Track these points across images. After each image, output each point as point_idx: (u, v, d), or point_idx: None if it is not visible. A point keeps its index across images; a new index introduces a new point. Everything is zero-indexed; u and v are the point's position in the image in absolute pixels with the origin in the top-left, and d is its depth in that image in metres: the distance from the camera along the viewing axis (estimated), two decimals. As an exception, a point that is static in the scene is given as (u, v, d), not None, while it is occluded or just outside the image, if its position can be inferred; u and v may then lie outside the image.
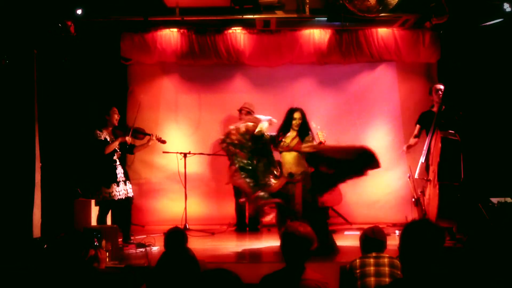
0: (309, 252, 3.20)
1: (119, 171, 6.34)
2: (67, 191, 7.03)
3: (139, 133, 6.63)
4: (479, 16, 6.93)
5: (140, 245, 6.10)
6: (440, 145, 6.21)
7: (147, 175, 8.24)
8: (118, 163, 6.36)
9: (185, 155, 7.48)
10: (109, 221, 6.53)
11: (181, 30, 7.85)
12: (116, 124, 6.43)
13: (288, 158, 5.81)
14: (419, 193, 6.68)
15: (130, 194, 6.39)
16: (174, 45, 7.84)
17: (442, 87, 6.65)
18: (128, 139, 6.37)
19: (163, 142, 6.89)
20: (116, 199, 6.21)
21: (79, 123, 7.42)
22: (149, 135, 6.69)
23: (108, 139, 6.31)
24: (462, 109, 6.65)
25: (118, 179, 6.27)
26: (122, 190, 6.27)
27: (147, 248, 5.86)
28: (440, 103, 6.47)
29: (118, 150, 6.38)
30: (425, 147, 6.55)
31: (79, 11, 6.73)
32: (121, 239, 6.09)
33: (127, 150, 6.61)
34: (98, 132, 6.26)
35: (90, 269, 3.37)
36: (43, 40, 6.54)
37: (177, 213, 7.35)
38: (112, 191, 6.19)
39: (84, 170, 7.16)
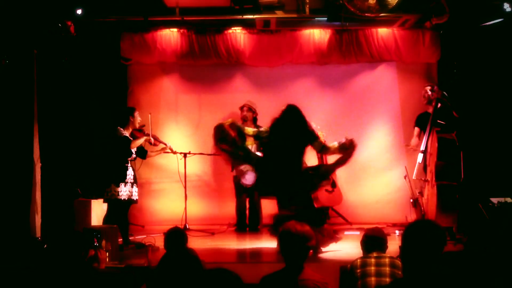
0: (308, 251, 3.20)
1: (129, 172, 6.35)
2: (67, 191, 7.03)
3: (156, 140, 6.63)
4: (479, 16, 6.93)
5: (140, 245, 6.10)
6: (436, 145, 6.23)
7: (147, 175, 8.23)
8: (129, 164, 6.37)
9: (185, 155, 7.47)
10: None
11: (181, 30, 7.85)
12: (138, 127, 6.43)
13: None
14: (417, 194, 6.69)
15: (134, 197, 6.39)
16: (174, 45, 7.84)
17: (428, 88, 6.74)
18: (151, 138, 6.42)
19: (175, 153, 6.98)
20: (122, 198, 6.23)
21: (79, 123, 7.43)
22: (165, 144, 6.72)
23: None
24: (457, 110, 6.66)
25: (126, 180, 6.29)
26: (127, 191, 6.28)
27: (147, 248, 5.85)
28: (431, 102, 6.53)
29: (134, 153, 6.39)
30: (422, 148, 6.56)
31: (79, 11, 6.73)
32: (120, 240, 6.09)
33: (139, 154, 6.59)
34: (121, 129, 6.26)
35: (90, 269, 3.37)
36: (43, 40, 6.54)
37: (177, 213, 7.35)
38: (121, 190, 6.22)
39: (93, 168, 7.17)
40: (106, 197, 6.27)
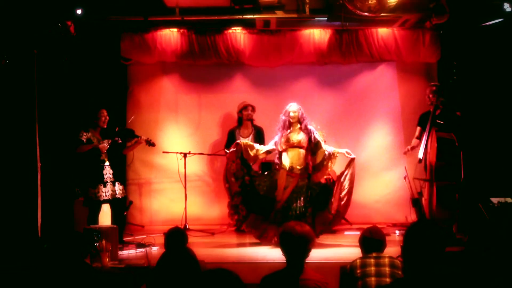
0: (308, 251, 3.21)
1: (107, 171, 6.32)
2: (67, 191, 7.02)
3: (127, 136, 6.57)
4: (479, 16, 6.92)
5: (140, 245, 6.11)
6: (436, 145, 6.23)
7: (147, 175, 8.24)
8: (107, 163, 6.35)
9: (185, 155, 7.47)
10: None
11: (181, 30, 7.84)
12: (104, 126, 6.41)
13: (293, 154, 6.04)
14: (417, 194, 6.68)
15: (119, 196, 6.36)
16: (174, 45, 7.83)
17: (432, 90, 6.74)
18: (102, 146, 6.31)
19: (153, 145, 6.82)
20: (102, 199, 6.21)
21: (78, 123, 7.41)
22: (137, 137, 6.64)
23: (93, 140, 6.31)
24: (460, 109, 6.65)
25: (105, 180, 6.27)
26: (109, 190, 6.25)
27: (147, 248, 5.86)
28: (434, 103, 6.51)
29: (105, 151, 6.34)
30: (422, 147, 6.55)
31: (79, 11, 6.72)
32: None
33: (116, 150, 6.57)
34: (83, 132, 6.29)
35: (90, 269, 3.37)
36: (43, 40, 6.52)
37: (177, 213, 7.35)
38: (98, 192, 6.19)
39: (77, 171, 7.18)
40: (84, 201, 6.29)
